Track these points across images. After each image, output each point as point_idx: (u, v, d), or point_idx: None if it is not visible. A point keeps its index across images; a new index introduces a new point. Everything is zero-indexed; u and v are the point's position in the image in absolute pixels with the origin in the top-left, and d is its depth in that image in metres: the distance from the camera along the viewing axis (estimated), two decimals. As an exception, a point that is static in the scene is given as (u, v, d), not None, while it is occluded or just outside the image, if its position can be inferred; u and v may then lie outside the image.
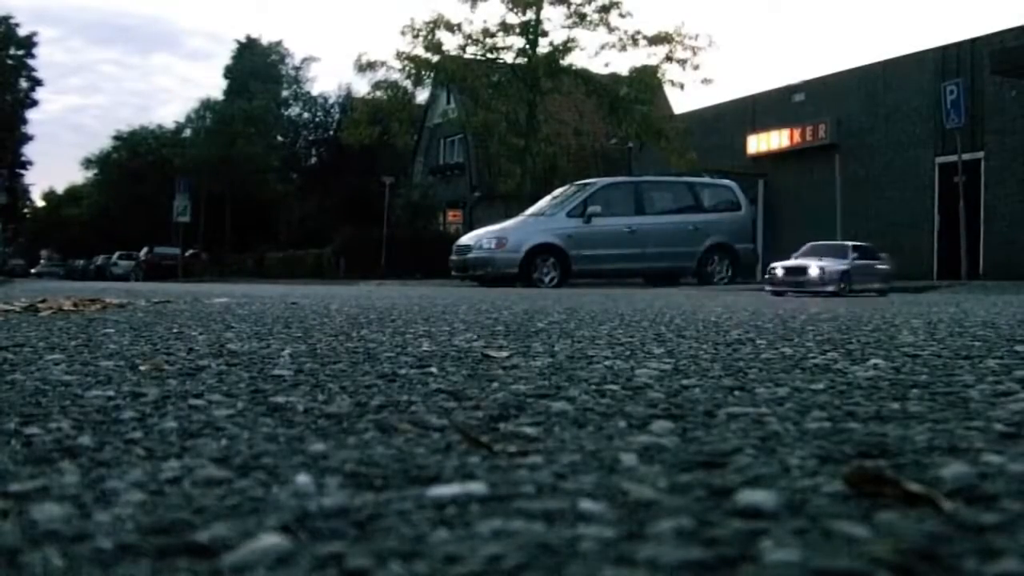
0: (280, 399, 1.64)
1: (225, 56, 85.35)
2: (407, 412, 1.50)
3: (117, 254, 47.68)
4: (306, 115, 53.07)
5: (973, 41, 19.69)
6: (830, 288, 11.38)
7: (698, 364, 2.27)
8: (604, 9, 25.28)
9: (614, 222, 17.07)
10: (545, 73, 25.17)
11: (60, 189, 76.99)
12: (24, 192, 59.73)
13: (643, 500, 0.91)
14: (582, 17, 25.34)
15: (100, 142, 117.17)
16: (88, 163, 63.35)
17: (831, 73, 23.35)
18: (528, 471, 1.05)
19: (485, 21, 26.67)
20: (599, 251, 16.81)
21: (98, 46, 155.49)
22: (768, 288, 11.96)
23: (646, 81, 25.14)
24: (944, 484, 0.96)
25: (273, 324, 3.88)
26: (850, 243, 12.68)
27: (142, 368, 2.13)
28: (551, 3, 25.33)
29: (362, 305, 6.17)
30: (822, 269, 11.63)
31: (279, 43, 54.20)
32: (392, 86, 26.48)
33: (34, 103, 54.95)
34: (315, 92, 53.01)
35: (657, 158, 24.98)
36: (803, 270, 11.68)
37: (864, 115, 21.97)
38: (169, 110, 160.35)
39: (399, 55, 25.78)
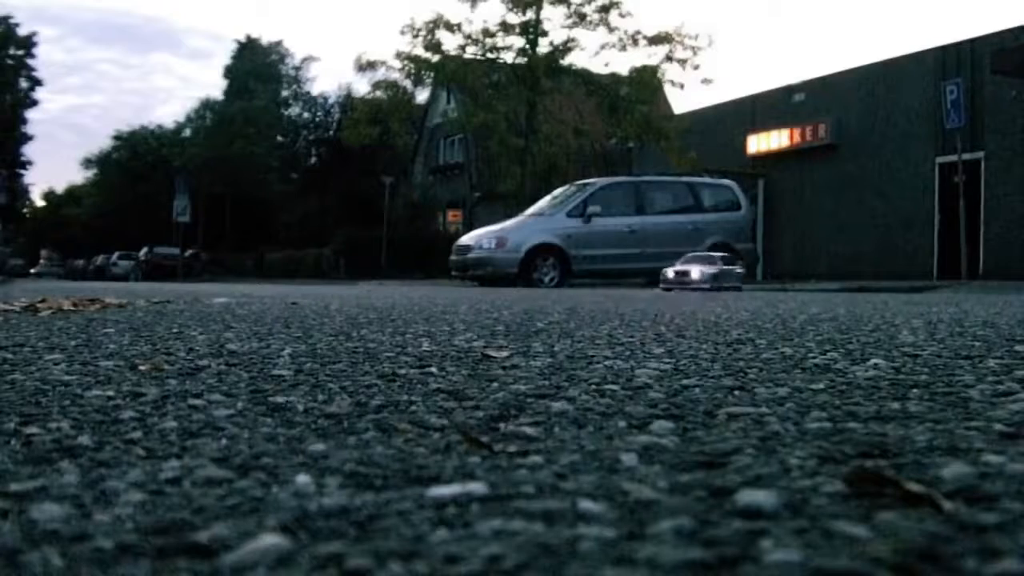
0: (280, 399, 1.64)
1: (225, 56, 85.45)
2: (407, 412, 1.50)
3: (117, 254, 47.67)
4: (306, 115, 53.14)
5: (973, 41, 19.69)
6: (705, 286, 14.29)
7: (698, 364, 2.27)
8: (604, 9, 25.31)
9: (614, 222, 17.06)
10: (545, 73, 25.20)
11: (60, 189, 77.10)
12: (24, 192, 59.78)
13: (643, 500, 0.91)
14: (582, 17, 25.37)
15: (99, 142, 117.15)
16: (88, 163, 63.44)
17: (831, 73, 23.36)
18: (528, 471, 1.05)
19: (485, 21, 26.76)
20: (599, 251, 16.81)
21: (97, 45, 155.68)
22: (661, 287, 14.91)
23: (646, 81, 25.16)
24: (944, 484, 0.96)
25: (273, 324, 3.88)
26: (718, 254, 15.85)
27: (142, 368, 2.13)
28: (551, 3, 25.36)
29: (362, 305, 6.17)
30: (700, 272, 14.89)
31: (279, 43, 54.31)
32: (392, 86, 26.51)
33: (34, 103, 55.03)
34: (315, 92, 53.17)
35: (657, 158, 24.98)
36: (687, 273, 14.98)
37: (864, 115, 21.97)
38: (169, 110, 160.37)
39: (399, 55, 25.83)
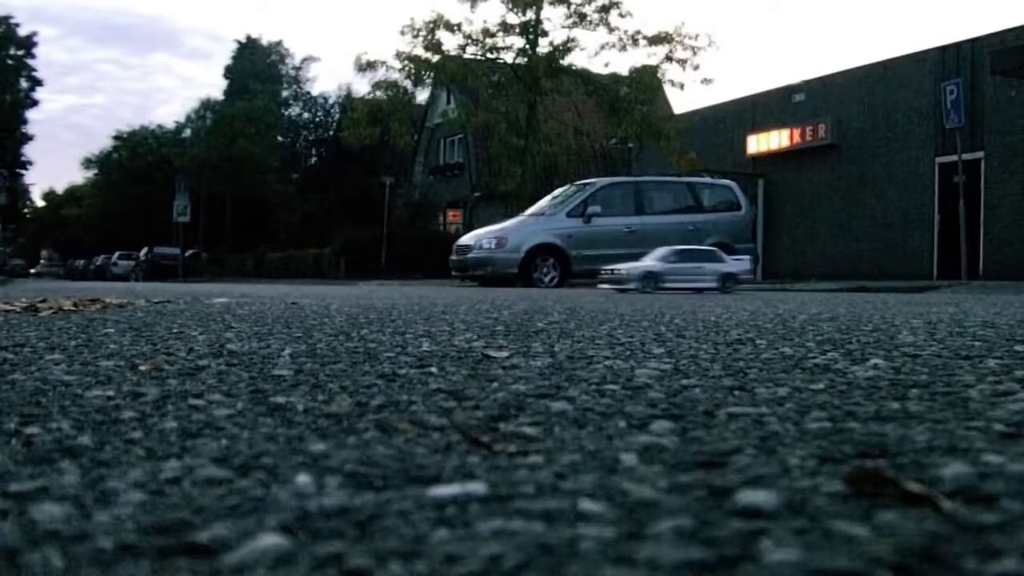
0: (280, 399, 1.64)
1: (225, 56, 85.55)
2: (407, 412, 1.50)
3: (117, 254, 47.71)
4: (306, 115, 53.14)
5: (973, 41, 19.68)
6: (631, 286, 12.42)
7: (698, 364, 2.27)
8: (604, 9, 25.29)
9: (614, 222, 17.06)
10: (545, 73, 25.17)
11: (60, 189, 77.15)
12: (24, 192, 59.78)
13: (643, 500, 0.91)
14: (582, 17, 25.35)
15: (100, 142, 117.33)
16: (88, 163, 63.47)
17: (831, 73, 23.35)
18: (528, 471, 1.05)
19: (485, 21, 26.78)
20: (599, 251, 16.78)
21: (97, 45, 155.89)
22: (602, 286, 13.35)
23: (646, 81, 25.13)
24: (944, 484, 0.96)
25: (273, 324, 3.88)
26: (681, 248, 13.64)
27: (142, 368, 2.13)
28: (551, 3, 25.34)
29: (362, 305, 6.17)
30: (625, 271, 12.96)
31: (279, 43, 54.30)
32: (392, 86, 26.48)
33: (34, 103, 55.00)
34: (315, 92, 53.18)
35: (657, 158, 24.98)
36: (613, 270, 13.18)
37: (864, 115, 21.96)
38: (169, 110, 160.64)
39: (399, 55, 25.81)
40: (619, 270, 12.96)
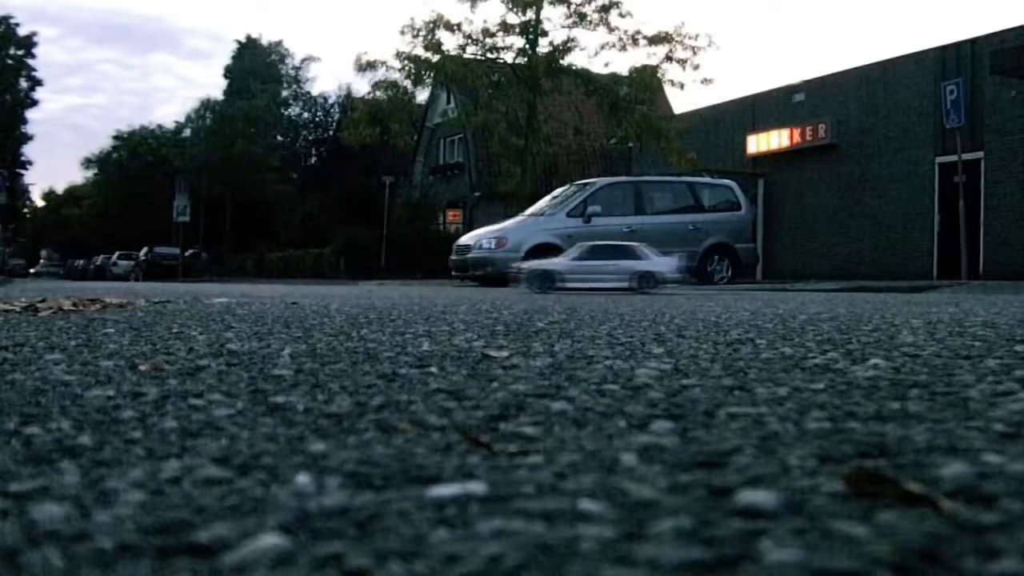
0: (280, 399, 1.64)
1: (225, 56, 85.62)
2: (407, 412, 1.50)
3: (117, 254, 47.75)
4: (306, 115, 53.15)
5: (973, 41, 19.68)
6: (524, 287, 11.64)
7: (698, 364, 2.27)
8: (604, 9, 25.26)
9: (614, 222, 17.06)
10: (545, 73, 25.15)
11: (60, 189, 77.27)
12: (24, 192, 59.78)
13: (643, 500, 0.91)
14: (582, 17, 25.32)
15: (100, 142, 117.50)
16: (88, 163, 63.53)
17: (831, 73, 23.33)
18: (528, 471, 1.05)
19: (485, 21, 26.70)
20: (599, 251, 16.80)
21: (97, 45, 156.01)
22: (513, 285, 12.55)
23: (646, 81, 25.10)
24: (944, 484, 0.96)
25: (273, 324, 3.88)
26: (600, 243, 12.43)
27: (142, 368, 2.13)
28: (551, 3, 25.31)
29: (362, 305, 6.18)
30: (519, 268, 12.15)
31: (279, 43, 54.28)
32: (392, 86, 26.45)
33: (34, 103, 55.00)
34: (315, 92, 53.18)
35: (657, 158, 24.97)
36: (519, 268, 12.23)
37: (864, 115, 21.95)
38: (169, 110, 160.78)
39: (399, 55, 25.78)
40: (522, 268, 12.02)
